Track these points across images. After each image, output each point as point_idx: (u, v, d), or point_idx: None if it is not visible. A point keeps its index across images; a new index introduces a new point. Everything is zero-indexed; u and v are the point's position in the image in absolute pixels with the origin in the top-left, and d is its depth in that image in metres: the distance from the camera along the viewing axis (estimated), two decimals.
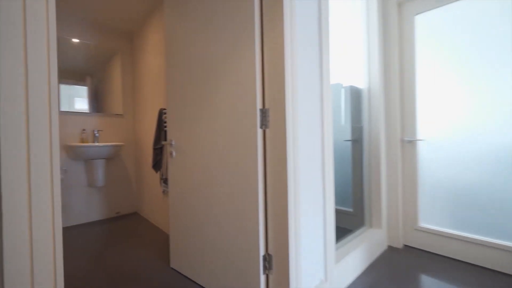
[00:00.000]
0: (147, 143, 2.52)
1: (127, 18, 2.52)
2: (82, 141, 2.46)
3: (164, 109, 1.96)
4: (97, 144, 2.32)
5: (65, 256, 1.80)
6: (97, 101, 2.61)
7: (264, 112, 1.07)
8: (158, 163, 2.02)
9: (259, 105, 1.06)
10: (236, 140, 1.14)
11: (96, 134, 2.52)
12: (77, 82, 2.49)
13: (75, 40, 2.47)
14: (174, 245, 1.56)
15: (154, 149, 1.99)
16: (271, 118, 1.05)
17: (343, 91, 1.90)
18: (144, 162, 2.64)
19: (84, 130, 2.49)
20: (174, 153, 1.52)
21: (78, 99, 2.49)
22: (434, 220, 1.72)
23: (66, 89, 2.43)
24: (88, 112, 2.55)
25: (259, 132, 1.06)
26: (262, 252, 1.07)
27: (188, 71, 1.40)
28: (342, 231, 1.78)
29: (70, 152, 2.32)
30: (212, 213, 1.28)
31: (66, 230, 2.32)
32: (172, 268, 1.59)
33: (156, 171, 2.06)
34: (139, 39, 2.69)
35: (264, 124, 1.07)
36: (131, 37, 2.85)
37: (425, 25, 1.75)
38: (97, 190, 2.60)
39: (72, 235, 2.19)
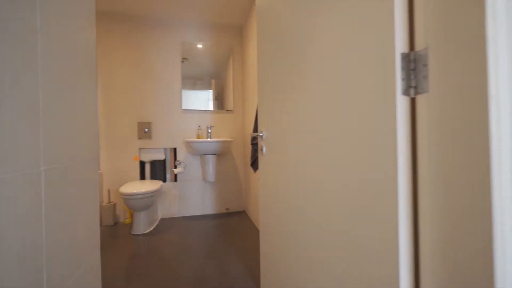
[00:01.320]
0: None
1: (235, 11, 2.42)
2: (198, 137, 2.60)
3: None
4: (206, 139, 2.36)
5: (185, 243, 1.85)
6: (218, 99, 2.70)
7: (413, 58, 0.47)
8: (256, 162, 1.74)
9: (401, 46, 0.47)
10: (353, 122, 0.59)
11: (209, 130, 2.59)
12: (205, 87, 2.65)
13: (199, 46, 2.63)
14: (264, 269, 1.19)
15: (252, 145, 1.73)
16: (434, 68, 0.43)
17: None
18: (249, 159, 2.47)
19: (199, 126, 2.63)
20: (264, 149, 1.14)
21: (204, 100, 2.66)
22: None
23: (198, 94, 2.63)
24: (203, 109, 2.67)
25: (402, 101, 0.47)
26: None
27: (279, 38, 0.97)
28: None
29: (189, 148, 2.48)
30: (315, 237, 0.79)
31: (185, 219, 2.51)
32: None
33: (255, 170, 1.80)
34: (246, 31, 2.55)
35: (414, 85, 0.47)
36: (240, 31, 2.78)
37: None
38: (210, 185, 2.69)
39: (190, 225, 2.32)
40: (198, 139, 2.36)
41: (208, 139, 2.36)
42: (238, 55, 2.77)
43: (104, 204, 2.33)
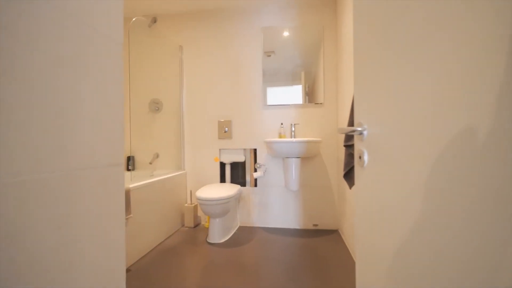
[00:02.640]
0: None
1: None
2: (280, 136, 2.21)
3: None
4: (288, 139, 1.93)
5: (263, 261, 1.53)
6: (308, 94, 2.25)
7: None
8: (351, 173, 1.16)
9: None
10: None
11: (293, 128, 2.16)
12: (296, 81, 2.28)
13: (286, 34, 2.26)
14: None
15: (345, 147, 1.17)
16: None
17: None
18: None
19: (281, 124, 2.23)
20: (366, 157, 0.61)
21: (292, 96, 2.28)
22: None
23: (285, 90, 2.29)
24: (286, 104, 2.26)
25: None
26: None
27: None
28: None
29: (269, 149, 2.14)
30: None
31: (264, 231, 2.18)
32: None
33: (350, 186, 1.21)
34: (341, 6, 1.96)
35: None
36: (333, 4, 2.19)
37: None
38: (293, 194, 2.25)
39: (270, 240, 1.97)
40: (278, 139, 1.97)
41: (291, 139, 1.92)
42: (331, 35, 2.20)
43: (186, 205, 2.31)
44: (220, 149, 2.39)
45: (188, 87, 2.44)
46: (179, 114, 2.44)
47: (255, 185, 2.33)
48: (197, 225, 2.34)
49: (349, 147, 1.17)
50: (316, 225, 2.21)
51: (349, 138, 1.16)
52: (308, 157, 2.18)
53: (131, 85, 2.53)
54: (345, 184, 1.86)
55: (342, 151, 1.92)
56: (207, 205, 1.84)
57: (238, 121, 2.35)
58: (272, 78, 2.29)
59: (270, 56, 2.32)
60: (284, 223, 2.26)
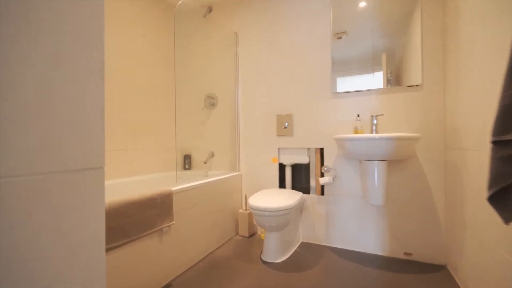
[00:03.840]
0: (477, 135, 1.11)
1: None
2: (356, 132, 1.70)
3: None
4: (368, 135, 1.41)
5: None
6: (392, 76, 1.68)
7: None
8: (508, 193, 0.62)
9: None
10: None
11: (374, 121, 1.61)
12: (376, 67, 1.76)
13: (362, 5, 1.74)
14: None
15: (497, 144, 0.63)
16: None
17: None
18: (468, 175, 1.24)
19: (358, 116, 1.71)
20: None
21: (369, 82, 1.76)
22: None
23: (360, 79, 1.80)
24: (365, 89, 1.72)
25: None
26: None
27: None
28: None
29: (341, 148, 1.65)
30: None
31: (334, 253, 1.70)
32: None
33: (502, 214, 0.65)
34: None
35: None
36: None
37: None
38: (375, 209, 1.69)
39: (341, 266, 1.51)
40: (354, 135, 1.47)
41: (373, 135, 1.40)
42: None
43: (240, 211, 2.04)
44: (279, 148, 2.04)
45: (243, 79, 2.17)
46: (234, 109, 2.20)
47: (322, 193, 1.88)
48: (252, 234, 2.04)
49: (505, 144, 0.63)
50: (409, 254, 1.60)
51: (506, 127, 0.62)
52: (398, 160, 1.60)
53: (188, 79, 2.43)
54: (472, 200, 1.23)
55: (461, 155, 1.28)
56: (262, 216, 1.51)
57: (300, 115, 1.94)
58: (342, 66, 1.79)
59: (340, 38, 1.82)
60: (361, 245, 1.73)
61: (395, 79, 1.65)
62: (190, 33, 2.43)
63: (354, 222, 1.75)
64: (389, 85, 1.65)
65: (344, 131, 1.78)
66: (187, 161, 2.40)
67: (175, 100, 2.33)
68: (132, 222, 1.14)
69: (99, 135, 0.43)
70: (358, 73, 1.75)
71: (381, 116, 1.64)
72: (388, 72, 1.66)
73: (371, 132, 1.64)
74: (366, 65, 1.72)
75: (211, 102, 2.33)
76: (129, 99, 1.91)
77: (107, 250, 1.03)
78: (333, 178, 1.80)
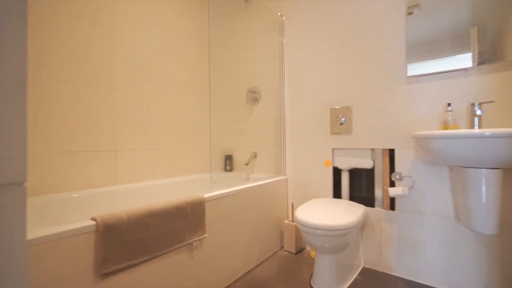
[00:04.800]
0: None
1: None
2: (445, 127, 1.24)
3: None
4: (468, 131, 0.95)
5: None
6: (487, 52, 1.19)
7: None
8: None
9: None
10: None
11: (478, 111, 1.14)
12: (461, 48, 1.29)
13: None
14: None
15: None
16: None
17: None
18: None
19: (449, 106, 1.24)
20: None
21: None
22: None
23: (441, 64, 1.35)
24: (452, 70, 1.24)
25: None
26: None
27: None
28: None
29: (421, 149, 1.21)
30: None
31: (408, 285, 1.28)
32: None
33: None
34: None
35: None
36: None
37: None
38: (476, 236, 1.20)
39: None
40: (451, 132, 1.02)
41: (481, 131, 0.94)
42: None
43: (286, 221, 1.75)
44: (333, 149, 1.68)
45: (289, 68, 1.87)
46: (279, 103, 1.92)
47: (392, 208, 1.45)
48: (300, 250, 1.73)
49: None
50: None
51: None
52: None
53: (228, 72, 2.25)
54: None
55: None
56: (312, 234, 1.19)
57: (361, 107, 1.55)
58: (417, 49, 1.34)
59: (411, 13, 1.38)
60: (452, 282, 1.26)
61: (494, 53, 1.14)
62: (228, 21, 2.24)
63: (442, 250, 1.29)
64: (488, 62, 1.15)
65: (425, 127, 1.33)
66: (228, 162, 2.21)
67: (210, 95, 2.16)
68: (155, 235, 0.96)
69: (21, 141, 0.22)
70: (437, 56, 1.28)
71: (492, 103, 1.14)
72: (476, 52, 1.17)
73: (472, 127, 1.16)
74: (449, 44, 1.25)
75: (253, 97, 2.09)
76: (167, 96, 1.80)
77: (125, 268, 0.86)
78: (408, 189, 1.36)
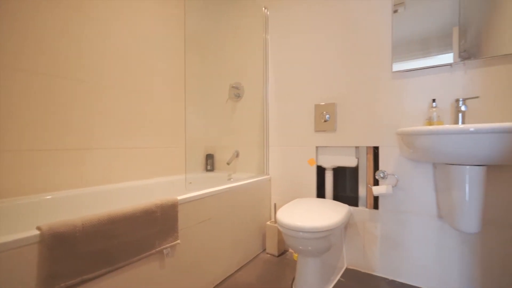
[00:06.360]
0: None
1: None
2: (429, 123, 1.21)
3: None
4: (452, 127, 0.92)
5: None
6: (471, 46, 1.17)
7: None
8: None
9: None
10: None
11: (462, 107, 1.11)
12: (444, 48, 1.26)
13: None
14: None
15: None
16: None
17: None
18: None
19: (433, 101, 1.21)
20: None
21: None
22: None
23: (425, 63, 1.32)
24: (436, 65, 1.21)
25: None
26: None
27: None
28: None
29: (407, 147, 1.17)
30: None
31: (391, 285, 1.24)
32: None
33: None
34: None
35: None
36: None
37: None
38: (460, 235, 1.18)
39: None
40: (436, 127, 0.98)
41: (466, 126, 0.91)
42: None
43: (268, 223, 1.68)
44: (317, 147, 1.62)
45: (273, 64, 1.80)
46: (262, 99, 1.84)
47: (375, 207, 1.42)
48: (283, 252, 1.67)
49: None
50: None
51: None
52: (503, 165, 1.07)
53: (210, 66, 2.15)
54: None
55: None
56: (294, 237, 1.12)
57: (346, 104, 1.50)
58: (403, 47, 1.31)
59: (396, 11, 1.34)
60: (436, 282, 1.24)
61: (478, 47, 1.12)
62: (209, 12, 2.13)
63: (426, 250, 1.26)
64: (471, 56, 1.13)
65: (410, 124, 1.30)
66: (209, 162, 2.11)
67: (185, 90, 2.03)
68: (119, 244, 0.86)
69: None
70: (419, 57, 1.26)
71: (477, 98, 1.12)
72: (464, 45, 1.15)
73: (457, 123, 1.14)
74: (431, 44, 1.23)
75: (236, 93, 2.00)
76: (144, 89, 1.67)
77: (80, 283, 0.75)
78: (392, 187, 1.33)
